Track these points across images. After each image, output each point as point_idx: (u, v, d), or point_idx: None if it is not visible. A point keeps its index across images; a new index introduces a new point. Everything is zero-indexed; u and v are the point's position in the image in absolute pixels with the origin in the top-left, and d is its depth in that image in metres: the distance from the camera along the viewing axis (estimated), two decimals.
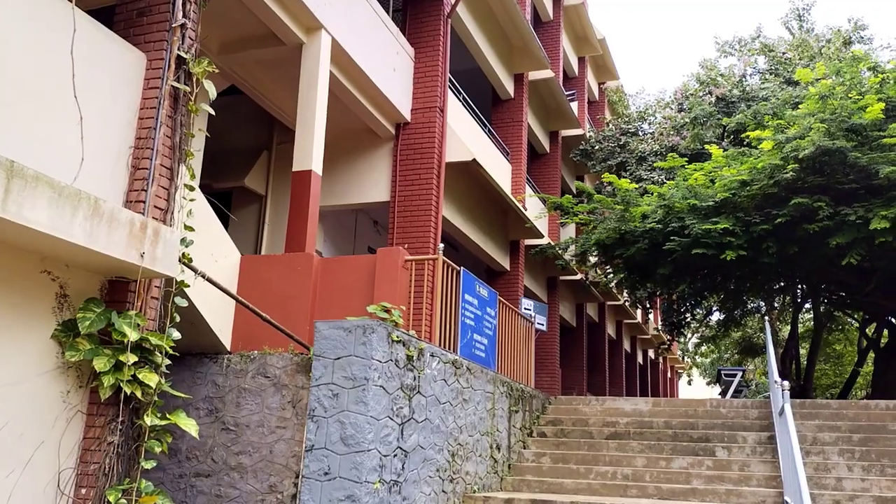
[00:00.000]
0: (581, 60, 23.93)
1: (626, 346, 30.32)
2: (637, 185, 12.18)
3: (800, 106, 10.81)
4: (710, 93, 16.73)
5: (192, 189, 6.21)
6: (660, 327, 22.80)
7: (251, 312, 7.05)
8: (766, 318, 10.82)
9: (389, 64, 11.54)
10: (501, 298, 9.35)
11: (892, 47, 12.62)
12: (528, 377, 10.62)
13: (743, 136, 11.63)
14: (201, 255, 7.42)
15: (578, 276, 19.36)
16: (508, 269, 16.19)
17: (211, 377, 7.83)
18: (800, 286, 14.54)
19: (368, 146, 12.42)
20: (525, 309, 12.72)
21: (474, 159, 12.22)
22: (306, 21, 9.27)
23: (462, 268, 8.16)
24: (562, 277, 19.59)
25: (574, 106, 21.70)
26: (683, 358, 51.61)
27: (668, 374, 43.46)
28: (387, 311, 7.21)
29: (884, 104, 9.85)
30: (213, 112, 6.41)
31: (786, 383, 7.12)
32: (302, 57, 9.37)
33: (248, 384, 7.66)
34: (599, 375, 23.71)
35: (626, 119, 19.65)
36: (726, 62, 18.93)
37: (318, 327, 6.05)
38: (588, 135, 20.62)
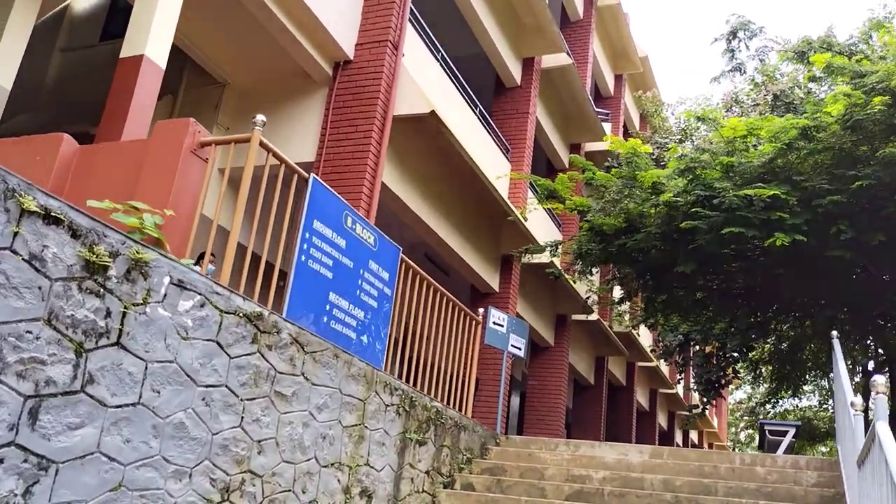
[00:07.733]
0: (618, 79, 20.87)
1: (662, 421, 26.03)
2: (651, 151, 8.76)
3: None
4: (767, 91, 13.40)
5: None
6: (693, 387, 18.72)
7: None
8: (835, 333, 7.21)
9: None
10: (407, 259, 5.96)
11: None
12: (465, 403, 7.10)
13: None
14: None
15: (594, 317, 15.72)
16: (497, 290, 12.84)
17: None
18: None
19: (298, 93, 9.56)
20: (494, 323, 9.25)
21: (433, 111, 9.11)
22: None
23: (312, 175, 4.88)
24: (575, 317, 16.00)
25: (608, 128, 18.49)
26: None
27: None
28: (138, 213, 4.03)
29: None
30: None
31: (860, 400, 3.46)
32: None
33: None
34: None
35: (664, 133, 16.30)
36: (788, 69, 15.51)
37: None
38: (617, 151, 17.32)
